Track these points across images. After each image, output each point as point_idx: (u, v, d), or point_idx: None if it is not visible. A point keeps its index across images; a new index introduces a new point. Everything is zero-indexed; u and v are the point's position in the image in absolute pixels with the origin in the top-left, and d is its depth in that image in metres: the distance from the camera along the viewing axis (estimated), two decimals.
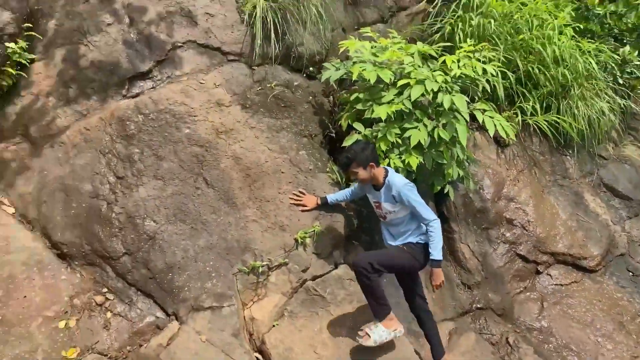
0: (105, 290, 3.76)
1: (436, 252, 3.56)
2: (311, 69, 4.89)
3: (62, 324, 3.52)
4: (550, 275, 5.07)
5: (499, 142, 5.26)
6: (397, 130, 4.03)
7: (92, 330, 3.57)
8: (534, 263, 5.03)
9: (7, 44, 4.13)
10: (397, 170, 3.95)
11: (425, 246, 3.67)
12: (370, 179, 3.72)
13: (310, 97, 4.78)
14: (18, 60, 4.19)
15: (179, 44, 4.46)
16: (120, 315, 3.69)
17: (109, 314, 3.67)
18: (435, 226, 3.57)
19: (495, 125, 4.26)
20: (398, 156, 4.03)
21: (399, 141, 4.04)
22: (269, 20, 4.51)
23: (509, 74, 5.03)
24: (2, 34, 4.11)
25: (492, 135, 4.67)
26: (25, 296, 3.53)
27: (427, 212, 3.60)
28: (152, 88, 4.30)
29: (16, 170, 4.07)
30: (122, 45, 4.32)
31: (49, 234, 3.88)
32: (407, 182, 3.65)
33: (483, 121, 4.27)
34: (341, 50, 4.61)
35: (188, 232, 3.91)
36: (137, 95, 4.26)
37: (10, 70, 4.15)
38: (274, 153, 4.32)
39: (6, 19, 4.14)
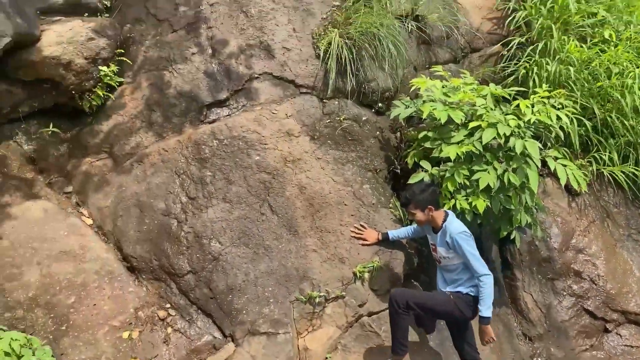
0: (168, 305, 3.90)
1: (485, 308, 3.46)
2: (380, 104, 4.96)
3: (125, 335, 3.67)
4: (619, 334, 4.77)
5: (570, 191, 5.08)
6: (466, 172, 3.99)
7: (153, 344, 3.69)
8: (603, 320, 4.76)
9: (100, 67, 4.49)
10: (462, 212, 3.90)
11: (475, 299, 3.58)
12: (427, 221, 3.70)
13: (378, 132, 4.84)
14: (108, 82, 4.53)
15: (256, 75, 4.66)
16: (179, 332, 3.80)
17: (169, 329, 3.80)
18: (486, 281, 3.45)
19: (567, 174, 4.13)
20: (465, 198, 3.98)
21: (467, 183, 4.00)
22: (343, 56, 4.64)
23: (585, 121, 4.88)
24: (97, 57, 4.46)
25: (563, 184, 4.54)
26: (95, 304, 3.72)
27: (479, 264, 3.50)
28: (227, 115, 4.51)
29: (97, 185, 4.34)
30: (204, 74, 4.57)
31: (121, 247, 4.09)
32: (464, 230, 3.59)
33: (555, 169, 4.16)
34: (412, 88, 4.65)
35: (250, 256, 4.00)
36: (213, 121, 4.47)
37: (100, 91, 4.49)
38: (339, 185, 4.38)
39: (102, 45, 4.49)
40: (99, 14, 4.86)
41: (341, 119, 4.67)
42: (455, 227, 3.59)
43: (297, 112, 4.59)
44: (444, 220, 3.66)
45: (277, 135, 4.42)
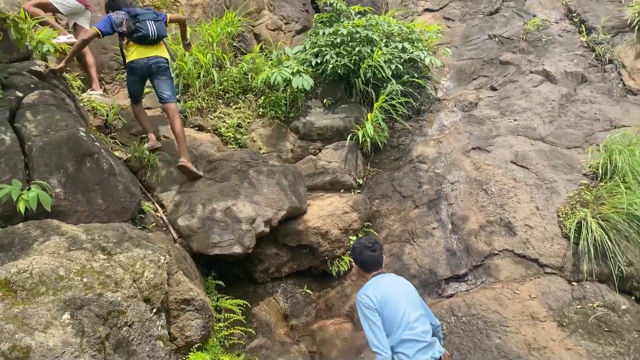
0: None
1: None
2: None
3: None
4: None
5: None
6: None
7: None
8: None
9: (350, 237, 5.01)
10: None
11: None
12: None
13: None
14: None
15: (496, 252, 4.63)
16: None
17: None
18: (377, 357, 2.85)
19: None
20: None
21: None
22: (595, 236, 4.34)
23: None
24: (349, 229, 5.01)
25: None
26: None
27: (370, 337, 2.90)
28: (465, 291, 4.48)
29: (340, 349, 4.59)
30: (443, 249, 4.74)
31: None
32: (360, 297, 3.02)
33: None
34: None
35: None
36: (451, 296, 4.49)
37: (347, 258, 4.97)
38: None
39: (354, 218, 5.06)
40: (352, 191, 5.58)
41: (594, 305, 4.22)
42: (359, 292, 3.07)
43: (541, 293, 4.32)
44: None
45: (520, 318, 4.18)
